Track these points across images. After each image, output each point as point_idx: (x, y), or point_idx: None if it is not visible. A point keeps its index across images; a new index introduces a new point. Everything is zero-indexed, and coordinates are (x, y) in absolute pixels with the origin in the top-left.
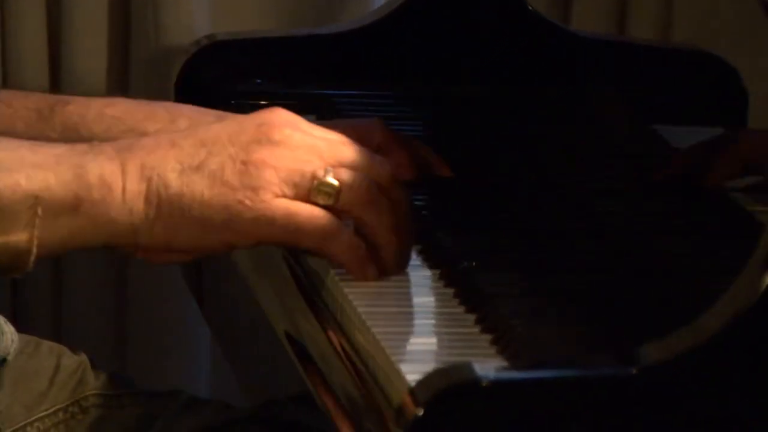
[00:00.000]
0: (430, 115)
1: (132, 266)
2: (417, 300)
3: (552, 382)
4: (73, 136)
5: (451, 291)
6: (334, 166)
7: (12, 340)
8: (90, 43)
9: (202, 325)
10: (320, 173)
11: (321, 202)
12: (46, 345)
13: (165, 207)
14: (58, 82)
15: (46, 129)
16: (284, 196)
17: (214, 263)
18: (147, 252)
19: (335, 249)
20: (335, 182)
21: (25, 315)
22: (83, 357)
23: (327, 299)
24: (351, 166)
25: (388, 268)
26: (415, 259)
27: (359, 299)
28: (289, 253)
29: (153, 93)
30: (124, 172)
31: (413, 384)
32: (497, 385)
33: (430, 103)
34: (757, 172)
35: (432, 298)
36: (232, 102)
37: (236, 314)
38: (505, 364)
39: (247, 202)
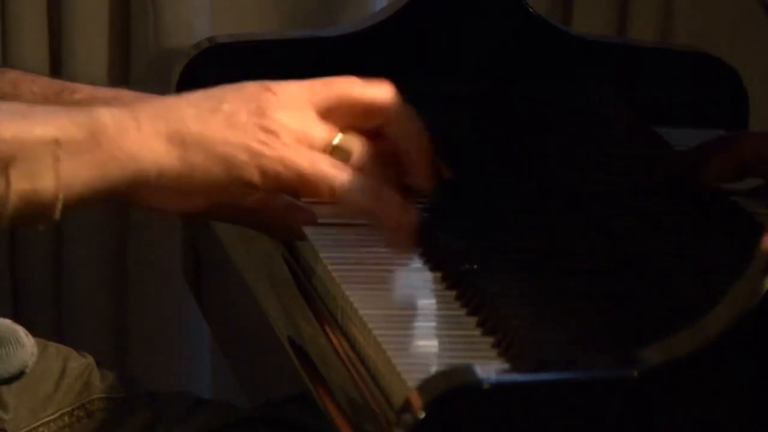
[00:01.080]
0: (431, 118)
1: (132, 266)
2: (418, 302)
3: (553, 384)
4: None
5: (452, 293)
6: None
7: (32, 353)
8: (90, 46)
9: (203, 325)
10: (333, 135)
11: (336, 158)
12: (53, 347)
13: (189, 144)
14: None
15: None
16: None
17: (214, 263)
18: (166, 197)
19: (357, 197)
20: (347, 147)
21: (26, 316)
22: (89, 359)
23: (328, 301)
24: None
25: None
26: (416, 262)
27: (360, 301)
28: (290, 254)
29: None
30: (136, 117)
31: (414, 387)
32: (499, 387)
33: (431, 106)
34: (756, 173)
35: (433, 301)
36: None
37: (236, 315)
38: (506, 366)
39: (270, 143)
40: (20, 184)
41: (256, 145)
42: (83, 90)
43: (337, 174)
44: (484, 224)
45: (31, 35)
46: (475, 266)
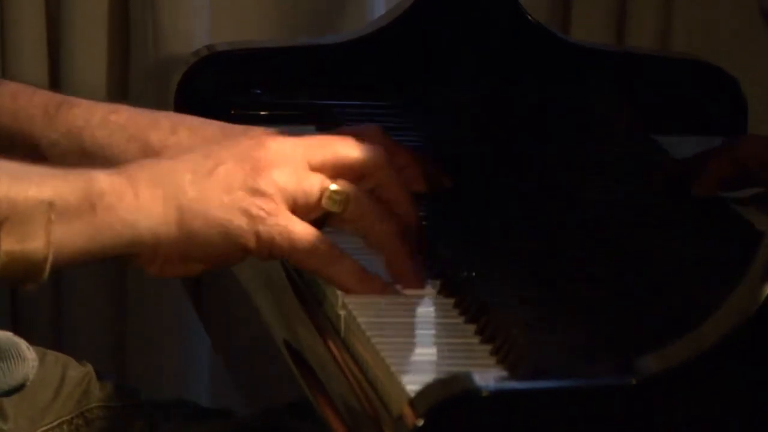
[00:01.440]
0: (429, 125)
1: (131, 275)
2: (416, 310)
3: (551, 392)
4: (75, 139)
5: (450, 301)
6: (337, 180)
7: (33, 366)
8: (89, 54)
9: (202, 333)
10: (327, 183)
11: (330, 209)
12: (52, 355)
13: (186, 210)
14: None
15: (49, 128)
16: (295, 204)
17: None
18: (164, 264)
19: (340, 274)
20: (344, 191)
21: (25, 325)
22: (89, 368)
23: (326, 309)
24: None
25: (402, 275)
26: None
27: (359, 309)
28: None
29: (152, 103)
30: (133, 183)
31: (413, 394)
32: (497, 395)
33: (430, 113)
34: (756, 178)
35: (432, 309)
36: (232, 112)
37: (235, 323)
38: (504, 374)
39: (267, 209)
40: (10, 244)
41: (254, 210)
42: (82, 104)
43: (324, 250)
44: (482, 232)
45: (30, 43)
46: (474, 274)
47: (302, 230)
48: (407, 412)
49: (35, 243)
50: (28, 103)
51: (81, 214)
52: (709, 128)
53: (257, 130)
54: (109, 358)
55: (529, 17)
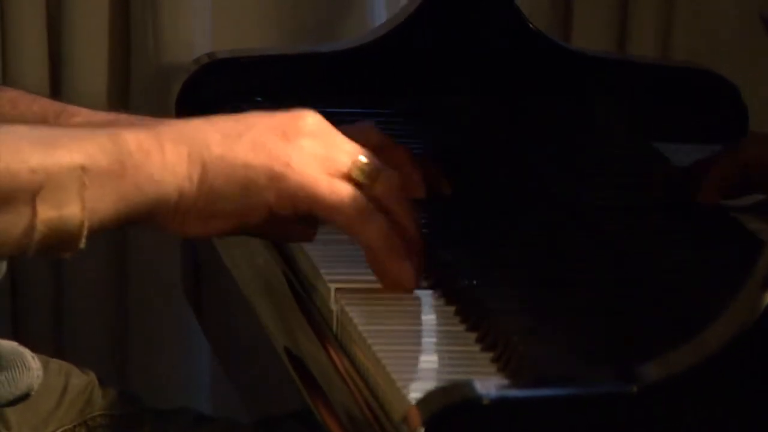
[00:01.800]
0: (430, 133)
1: (133, 282)
2: (417, 318)
3: (553, 399)
4: None
5: (451, 309)
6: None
7: (38, 376)
8: (91, 61)
9: (203, 341)
10: (358, 154)
11: (360, 179)
12: (55, 364)
13: (210, 167)
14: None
15: None
16: (324, 169)
17: (213, 279)
18: (185, 221)
19: (368, 233)
20: (375, 164)
21: (27, 333)
22: (91, 376)
23: (327, 316)
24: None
25: (412, 273)
26: None
27: (360, 317)
28: (289, 268)
29: (154, 110)
30: (159, 138)
31: (414, 402)
32: (498, 403)
33: (431, 121)
34: (757, 180)
35: (433, 316)
36: None
37: (236, 331)
38: (506, 382)
39: (293, 166)
40: (47, 212)
41: (277, 168)
42: (81, 113)
43: (354, 205)
44: (482, 239)
45: (31, 51)
46: (475, 282)
47: (326, 185)
48: (408, 420)
49: (71, 209)
50: (28, 110)
51: (111, 176)
52: (709, 136)
53: None
54: (111, 366)
55: (530, 25)
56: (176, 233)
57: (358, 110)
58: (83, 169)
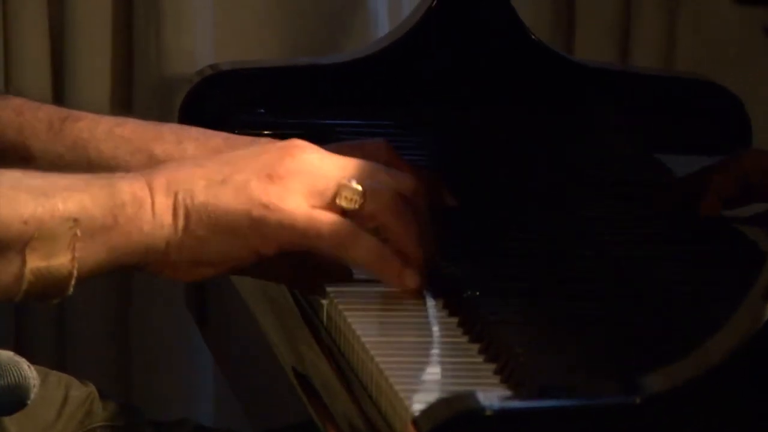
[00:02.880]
0: (433, 144)
1: (135, 294)
2: (420, 329)
3: (555, 411)
4: (80, 152)
5: (454, 320)
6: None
7: (34, 386)
8: (93, 73)
9: (206, 353)
10: (344, 180)
11: (346, 206)
12: (54, 375)
13: (193, 218)
14: None
15: (55, 142)
16: (309, 204)
17: (216, 290)
18: (176, 268)
19: (356, 253)
20: (359, 187)
21: (28, 345)
22: (91, 388)
23: (330, 328)
24: (373, 179)
25: (415, 277)
26: None
27: (362, 328)
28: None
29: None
30: (151, 188)
31: (417, 413)
32: (501, 414)
33: (433, 132)
34: (758, 191)
35: (435, 327)
36: (236, 131)
37: (239, 343)
38: (508, 393)
39: (272, 207)
40: (36, 262)
41: (255, 212)
42: (86, 118)
43: (334, 230)
44: (486, 251)
45: (34, 62)
46: (478, 293)
47: (304, 217)
48: (411, 431)
49: (60, 259)
50: (33, 117)
51: (103, 228)
52: (713, 147)
53: (263, 141)
54: (112, 377)
55: (533, 36)
56: (171, 279)
57: (361, 121)
58: (76, 221)
